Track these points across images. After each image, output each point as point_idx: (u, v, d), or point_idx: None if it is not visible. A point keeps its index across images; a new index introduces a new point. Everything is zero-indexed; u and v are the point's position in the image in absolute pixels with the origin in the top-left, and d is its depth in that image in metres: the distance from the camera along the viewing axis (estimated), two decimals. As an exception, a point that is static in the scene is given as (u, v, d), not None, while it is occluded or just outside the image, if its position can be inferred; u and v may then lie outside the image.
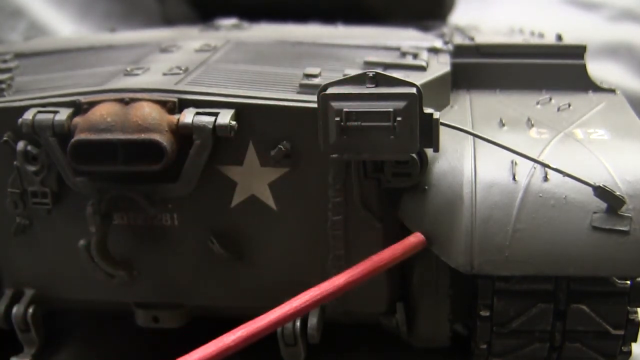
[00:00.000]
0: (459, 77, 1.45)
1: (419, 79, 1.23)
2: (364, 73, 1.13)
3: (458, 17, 2.48)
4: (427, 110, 1.12)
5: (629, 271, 1.12)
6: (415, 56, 1.41)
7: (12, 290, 1.39)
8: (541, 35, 1.69)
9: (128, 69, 1.33)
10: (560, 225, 1.10)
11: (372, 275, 1.17)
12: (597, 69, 1.76)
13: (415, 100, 1.10)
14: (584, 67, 1.47)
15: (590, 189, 1.09)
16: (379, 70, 1.16)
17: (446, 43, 1.54)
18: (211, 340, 1.08)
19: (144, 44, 1.55)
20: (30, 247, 1.34)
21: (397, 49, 1.47)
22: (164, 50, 1.47)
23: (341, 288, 1.14)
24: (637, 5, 3.11)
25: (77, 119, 1.20)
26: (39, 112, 1.21)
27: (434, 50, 1.48)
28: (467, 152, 1.18)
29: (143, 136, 1.16)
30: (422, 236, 1.19)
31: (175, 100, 1.21)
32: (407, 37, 1.62)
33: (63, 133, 1.20)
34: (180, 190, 1.23)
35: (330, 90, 1.12)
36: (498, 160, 1.16)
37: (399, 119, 1.10)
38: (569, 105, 1.36)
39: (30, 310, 1.37)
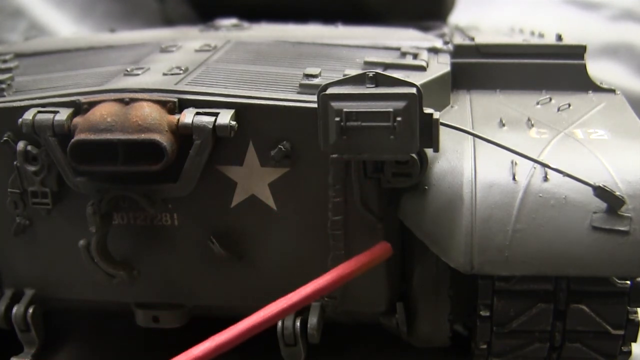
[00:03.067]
0: (459, 77, 1.44)
1: (419, 79, 1.23)
2: (364, 73, 1.13)
3: (458, 17, 2.48)
4: (427, 110, 1.12)
5: (629, 271, 1.12)
6: (415, 56, 1.41)
7: (12, 290, 1.39)
8: (541, 35, 1.69)
9: (128, 69, 1.33)
10: (560, 225, 1.10)
11: (339, 285, 1.19)
12: (597, 69, 1.76)
13: (415, 100, 1.10)
14: (584, 67, 1.46)
15: (590, 189, 1.09)
16: (379, 70, 1.16)
17: (446, 43, 1.54)
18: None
19: (144, 44, 1.55)
20: (30, 247, 1.34)
21: (397, 49, 1.47)
22: (164, 50, 1.47)
23: (309, 298, 1.15)
24: (637, 5, 3.11)
25: (77, 119, 1.20)
26: (39, 112, 1.21)
27: (434, 50, 1.48)
28: (467, 152, 1.18)
29: (143, 136, 1.16)
30: (388, 245, 1.21)
31: (175, 100, 1.21)
32: (407, 37, 1.62)
33: (63, 133, 1.20)
34: (180, 190, 1.23)
35: (330, 90, 1.12)
36: (498, 160, 1.16)
37: (399, 119, 1.10)
38: (569, 106, 1.36)
39: (30, 310, 1.37)
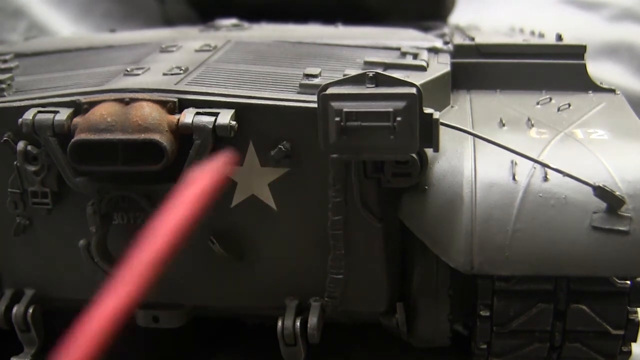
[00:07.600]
0: (459, 77, 1.44)
1: (419, 79, 1.22)
2: (364, 73, 1.13)
3: (458, 17, 2.49)
4: (427, 110, 1.12)
5: (629, 271, 1.12)
6: (415, 56, 1.41)
7: (12, 290, 1.39)
8: (541, 35, 1.69)
9: (128, 69, 1.33)
10: (560, 225, 1.10)
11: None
12: (597, 69, 1.76)
13: (415, 100, 1.10)
14: (584, 67, 1.46)
15: (590, 189, 1.09)
16: (379, 70, 1.16)
17: (446, 43, 1.54)
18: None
19: (144, 44, 1.55)
20: (30, 247, 1.34)
21: (397, 49, 1.47)
22: (164, 50, 1.47)
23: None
24: (637, 5, 3.10)
25: (77, 119, 1.20)
26: (39, 112, 1.21)
27: (434, 50, 1.48)
28: (467, 152, 1.18)
29: (143, 136, 1.16)
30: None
31: (175, 100, 1.21)
32: (407, 37, 1.62)
33: (63, 133, 1.19)
34: (180, 190, 1.22)
35: (330, 90, 1.12)
36: (498, 160, 1.16)
37: (399, 119, 1.10)
38: (569, 105, 1.36)
39: (30, 310, 1.37)
